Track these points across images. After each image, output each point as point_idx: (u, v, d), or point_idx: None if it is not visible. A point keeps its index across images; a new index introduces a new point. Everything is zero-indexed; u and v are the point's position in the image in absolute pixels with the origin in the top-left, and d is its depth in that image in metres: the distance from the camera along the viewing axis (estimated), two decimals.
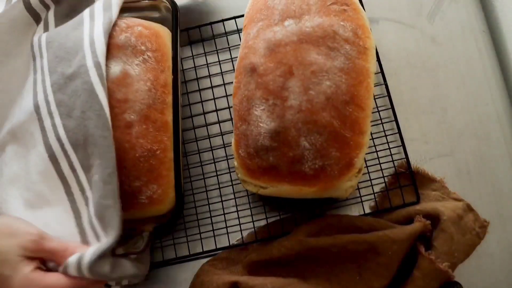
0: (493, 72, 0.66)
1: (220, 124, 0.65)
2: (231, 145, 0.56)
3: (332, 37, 0.52)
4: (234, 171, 0.60)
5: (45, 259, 0.48)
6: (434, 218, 0.56)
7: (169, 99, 0.56)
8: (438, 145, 0.63)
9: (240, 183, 0.58)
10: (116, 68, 0.54)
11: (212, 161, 0.63)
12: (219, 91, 0.66)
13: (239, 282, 0.54)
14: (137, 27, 0.57)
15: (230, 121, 0.64)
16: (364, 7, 0.63)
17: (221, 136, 0.64)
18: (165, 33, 0.59)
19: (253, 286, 0.53)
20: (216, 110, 0.65)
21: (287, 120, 0.51)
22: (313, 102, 0.50)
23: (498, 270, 0.58)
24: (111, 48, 0.55)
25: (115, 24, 0.56)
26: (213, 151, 0.64)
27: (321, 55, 0.52)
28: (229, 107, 0.65)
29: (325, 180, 0.51)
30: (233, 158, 0.56)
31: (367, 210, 0.61)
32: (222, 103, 0.66)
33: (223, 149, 0.64)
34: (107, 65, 0.54)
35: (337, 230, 0.57)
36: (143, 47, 0.56)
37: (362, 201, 0.61)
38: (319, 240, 0.55)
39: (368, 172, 0.62)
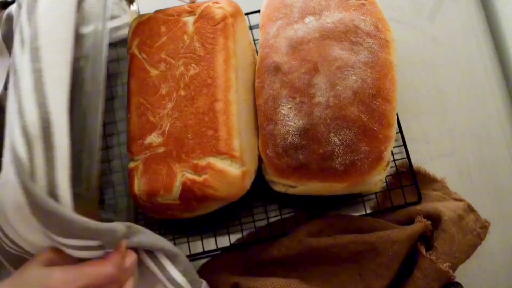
0: (494, 72, 0.65)
1: None
2: None
3: (354, 31, 0.52)
4: None
5: None
6: (434, 219, 0.56)
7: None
8: (439, 145, 0.63)
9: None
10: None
11: None
12: None
13: (240, 283, 0.54)
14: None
15: None
16: None
17: None
18: None
19: (254, 287, 0.53)
20: None
21: (316, 117, 0.50)
22: (341, 97, 0.50)
23: (499, 270, 0.58)
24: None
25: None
26: None
27: (344, 50, 0.51)
28: None
29: (356, 175, 0.51)
30: None
31: (368, 210, 0.61)
32: None
33: None
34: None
35: (337, 230, 0.57)
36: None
37: (363, 201, 0.61)
38: (320, 240, 0.55)
39: None
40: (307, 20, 0.54)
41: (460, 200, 0.59)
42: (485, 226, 0.57)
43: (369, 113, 0.50)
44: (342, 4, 0.54)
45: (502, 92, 0.65)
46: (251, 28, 0.66)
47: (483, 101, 0.64)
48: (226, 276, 0.55)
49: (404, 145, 0.61)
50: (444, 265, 0.53)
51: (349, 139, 0.50)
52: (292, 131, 0.51)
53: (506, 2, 0.65)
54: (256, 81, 0.55)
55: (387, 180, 0.61)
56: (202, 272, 0.58)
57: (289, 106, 0.52)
